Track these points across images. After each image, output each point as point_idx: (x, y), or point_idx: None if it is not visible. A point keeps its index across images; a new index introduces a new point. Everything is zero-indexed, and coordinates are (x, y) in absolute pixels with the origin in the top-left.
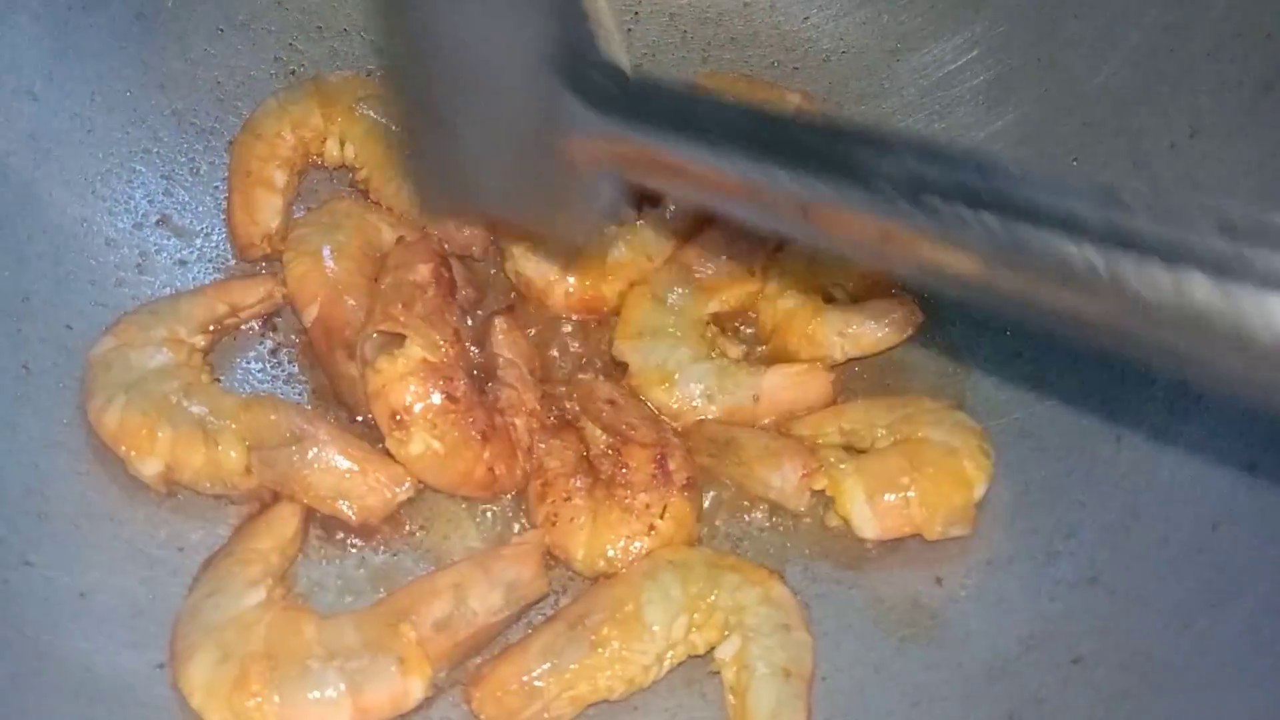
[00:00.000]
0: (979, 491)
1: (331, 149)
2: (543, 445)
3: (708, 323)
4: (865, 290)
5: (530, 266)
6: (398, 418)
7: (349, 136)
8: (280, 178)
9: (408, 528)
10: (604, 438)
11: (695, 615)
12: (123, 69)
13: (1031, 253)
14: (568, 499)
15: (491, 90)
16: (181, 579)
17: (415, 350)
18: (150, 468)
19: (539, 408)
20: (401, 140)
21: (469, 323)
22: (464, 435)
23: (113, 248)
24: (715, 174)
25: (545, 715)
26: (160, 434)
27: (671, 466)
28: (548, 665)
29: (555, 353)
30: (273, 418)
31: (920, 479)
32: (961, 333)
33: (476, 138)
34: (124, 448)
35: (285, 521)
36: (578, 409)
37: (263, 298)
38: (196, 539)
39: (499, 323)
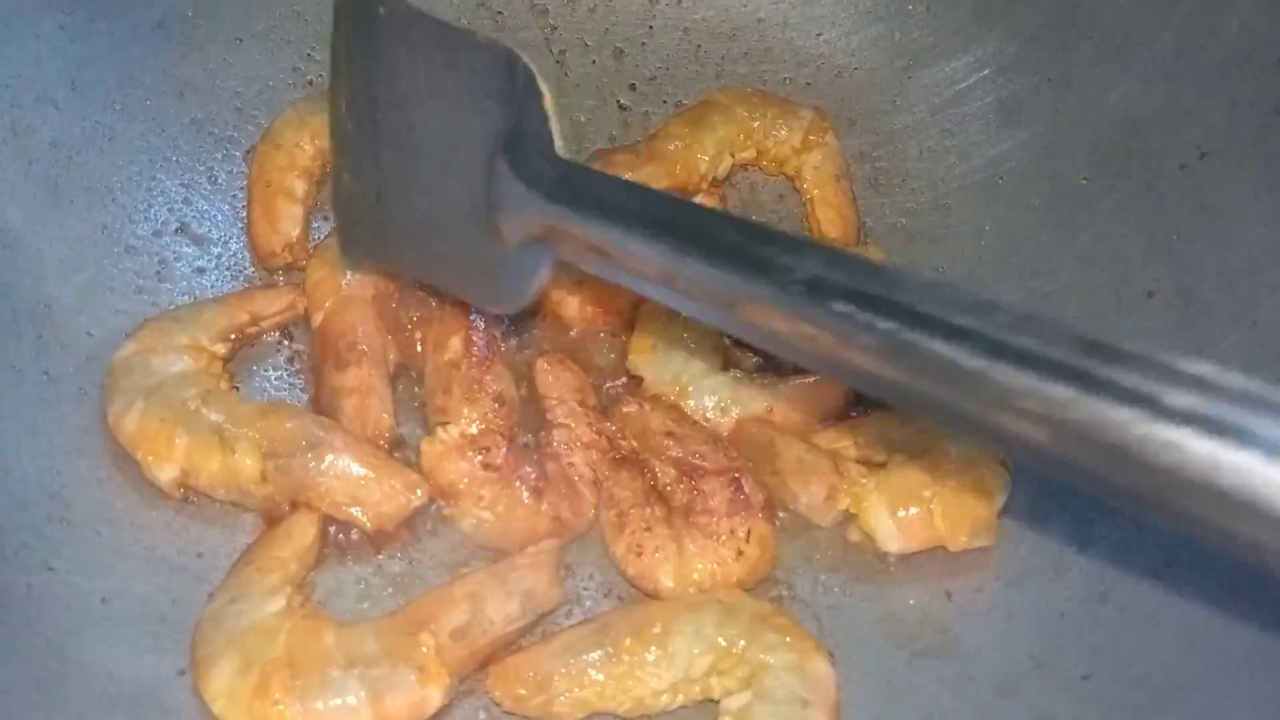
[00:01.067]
0: (1000, 502)
1: None
2: (608, 478)
3: (722, 335)
4: None
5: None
6: (447, 497)
7: None
8: (300, 187)
9: (422, 534)
10: (672, 469)
11: (720, 660)
12: (143, 78)
13: (916, 354)
14: (648, 529)
15: (439, 164)
16: (202, 584)
17: (452, 430)
18: (166, 473)
19: (596, 437)
20: (333, 192)
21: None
22: (512, 499)
23: (132, 255)
24: (636, 259)
25: (549, 709)
26: (177, 440)
27: (748, 489)
28: (563, 662)
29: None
30: (288, 425)
31: (942, 492)
32: None
33: (416, 204)
34: (141, 453)
35: (304, 530)
36: (635, 444)
37: (285, 308)
38: (216, 544)
39: (540, 364)
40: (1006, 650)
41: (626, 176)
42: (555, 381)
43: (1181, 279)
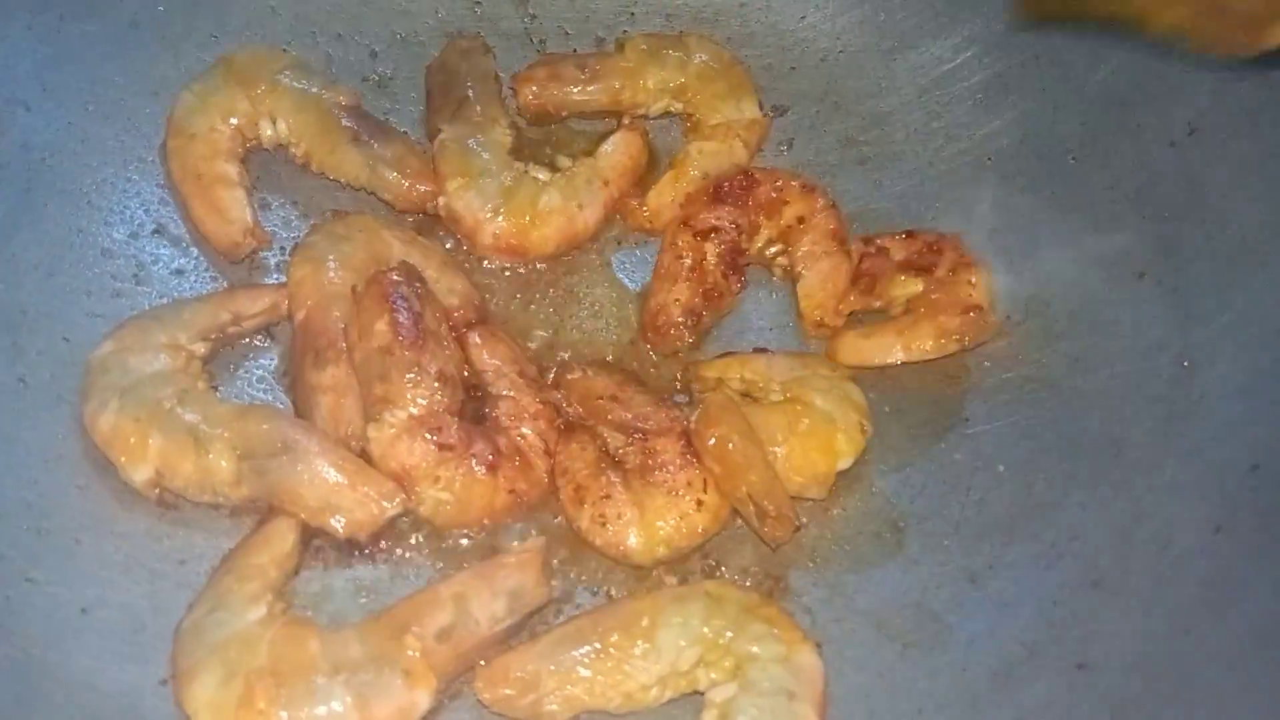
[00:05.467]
0: (844, 464)
1: (265, 129)
2: (558, 451)
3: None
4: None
5: (461, 204)
6: (404, 482)
7: (278, 113)
8: (233, 170)
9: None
10: (620, 435)
11: (707, 651)
12: (116, 77)
13: None
14: (607, 497)
15: None
16: (184, 592)
17: (399, 413)
18: (140, 474)
19: (541, 406)
20: None
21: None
22: (469, 477)
23: (109, 258)
24: None
25: (539, 709)
26: (151, 440)
27: (696, 441)
28: (551, 661)
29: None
30: (264, 426)
31: (793, 441)
32: None
33: None
34: (115, 453)
35: (283, 536)
36: (581, 411)
37: (267, 307)
38: (199, 551)
39: (473, 338)
40: (1000, 640)
41: (572, 90)
42: (491, 352)
43: (1172, 259)
